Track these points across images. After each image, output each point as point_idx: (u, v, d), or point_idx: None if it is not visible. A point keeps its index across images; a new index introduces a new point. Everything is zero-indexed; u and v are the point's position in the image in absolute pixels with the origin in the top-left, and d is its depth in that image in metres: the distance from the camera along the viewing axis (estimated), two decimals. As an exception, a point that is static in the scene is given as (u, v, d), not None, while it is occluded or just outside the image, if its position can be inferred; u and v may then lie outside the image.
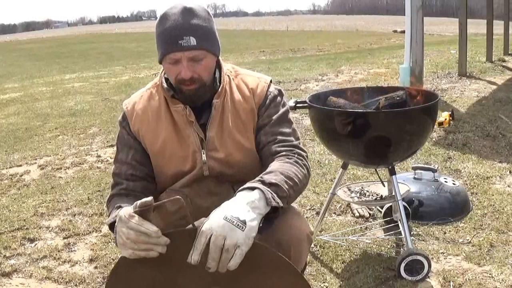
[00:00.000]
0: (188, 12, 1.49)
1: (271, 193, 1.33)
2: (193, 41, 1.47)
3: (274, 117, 1.62)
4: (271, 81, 1.69)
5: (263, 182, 1.36)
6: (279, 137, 1.59)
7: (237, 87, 1.65)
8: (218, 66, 1.64)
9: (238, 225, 1.20)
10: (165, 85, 1.61)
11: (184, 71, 1.49)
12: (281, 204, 1.34)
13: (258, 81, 1.67)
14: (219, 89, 1.60)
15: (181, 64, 1.49)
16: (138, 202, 1.27)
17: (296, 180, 1.46)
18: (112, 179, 1.67)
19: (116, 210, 1.47)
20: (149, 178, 1.65)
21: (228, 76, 1.66)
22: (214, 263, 1.19)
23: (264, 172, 1.44)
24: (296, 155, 1.55)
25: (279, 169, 1.47)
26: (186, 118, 1.59)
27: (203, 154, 1.60)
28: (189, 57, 1.49)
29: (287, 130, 1.62)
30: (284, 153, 1.55)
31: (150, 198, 1.26)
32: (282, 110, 1.65)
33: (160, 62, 1.57)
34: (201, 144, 1.60)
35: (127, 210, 1.29)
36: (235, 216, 1.22)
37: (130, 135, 1.65)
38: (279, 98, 1.67)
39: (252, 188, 1.32)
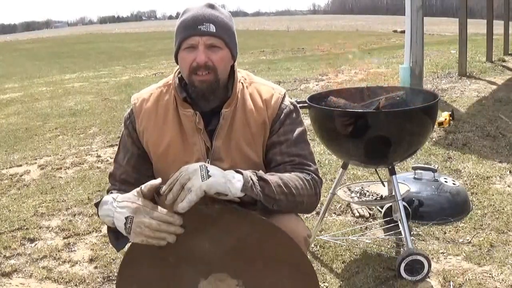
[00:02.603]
0: (211, 6, 1.53)
1: (253, 183, 1.39)
2: (212, 28, 1.49)
3: (290, 136, 1.58)
4: (285, 93, 1.65)
5: (255, 173, 1.42)
6: (297, 159, 1.57)
7: (250, 96, 1.61)
8: (232, 73, 1.61)
9: (203, 175, 1.34)
10: (178, 86, 1.59)
11: (200, 55, 1.48)
12: (259, 198, 1.40)
13: (273, 91, 1.63)
14: (231, 97, 1.57)
15: (197, 50, 1.49)
16: (144, 186, 1.39)
17: (294, 191, 1.47)
18: (108, 179, 1.69)
19: (108, 194, 1.56)
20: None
21: (242, 83, 1.63)
22: (171, 196, 1.34)
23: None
24: (310, 177, 1.55)
25: (281, 175, 1.48)
26: (195, 124, 1.56)
27: (208, 163, 1.57)
28: (206, 43, 1.49)
29: (304, 152, 1.59)
30: (299, 172, 1.55)
31: (158, 181, 1.40)
32: (299, 129, 1.61)
33: (176, 57, 1.55)
34: (207, 153, 1.58)
35: (145, 202, 1.38)
36: (208, 170, 1.35)
37: (132, 136, 1.63)
38: (294, 114, 1.62)
39: (239, 172, 1.41)
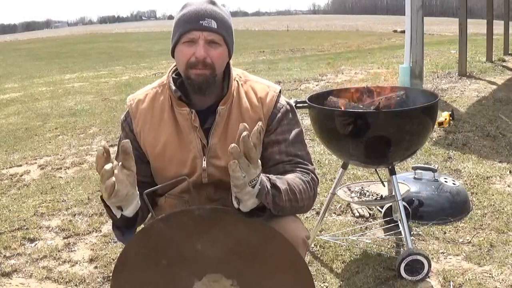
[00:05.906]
0: (212, 2, 1.53)
1: (267, 192, 1.35)
2: (214, 24, 1.49)
3: (288, 136, 1.59)
4: (280, 91, 1.65)
5: (269, 179, 1.38)
6: (296, 159, 1.57)
7: (245, 94, 1.61)
8: (228, 70, 1.61)
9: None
10: (172, 85, 1.58)
11: (199, 49, 1.47)
12: (270, 206, 1.36)
13: (268, 89, 1.63)
14: (226, 95, 1.57)
15: (197, 45, 1.48)
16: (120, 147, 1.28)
17: (298, 196, 1.47)
18: None
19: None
20: (141, 187, 1.61)
21: (237, 81, 1.63)
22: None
23: (273, 175, 1.45)
24: (310, 177, 1.55)
25: (287, 179, 1.48)
26: (191, 122, 1.56)
27: (204, 160, 1.57)
28: (207, 38, 1.48)
29: (302, 153, 1.60)
30: (299, 173, 1.55)
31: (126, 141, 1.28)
32: (297, 130, 1.62)
33: (173, 51, 1.55)
34: (203, 150, 1.57)
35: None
36: None
37: (129, 137, 1.62)
38: (291, 114, 1.63)
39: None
